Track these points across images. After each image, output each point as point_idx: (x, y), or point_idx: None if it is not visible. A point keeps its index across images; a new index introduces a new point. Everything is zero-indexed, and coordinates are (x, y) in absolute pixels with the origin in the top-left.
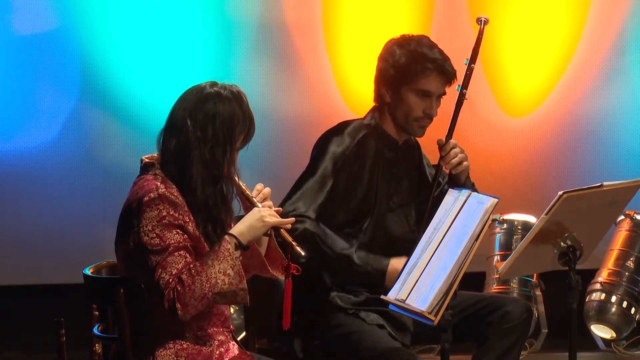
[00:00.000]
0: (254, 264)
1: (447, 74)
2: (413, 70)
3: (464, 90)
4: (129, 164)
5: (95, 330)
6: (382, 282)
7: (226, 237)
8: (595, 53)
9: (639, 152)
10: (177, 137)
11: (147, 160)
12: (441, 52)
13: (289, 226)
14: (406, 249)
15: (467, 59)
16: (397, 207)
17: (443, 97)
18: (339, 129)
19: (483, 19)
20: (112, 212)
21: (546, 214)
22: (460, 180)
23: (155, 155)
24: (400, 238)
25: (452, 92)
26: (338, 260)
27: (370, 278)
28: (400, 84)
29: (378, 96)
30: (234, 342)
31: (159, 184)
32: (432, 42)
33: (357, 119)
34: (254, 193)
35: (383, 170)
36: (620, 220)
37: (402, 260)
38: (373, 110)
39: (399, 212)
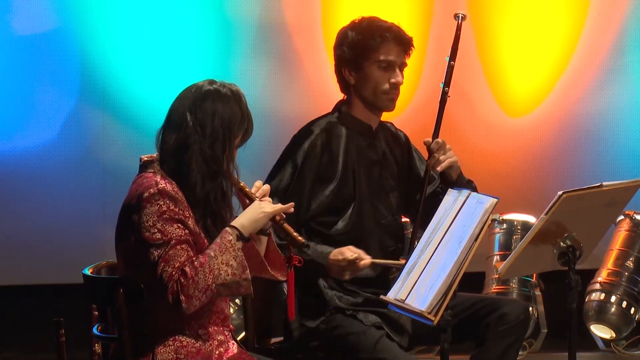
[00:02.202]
0: (252, 265)
1: (404, 41)
2: (371, 43)
3: (446, 88)
4: (129, 164)
5: (94, 330)
6: (325, 268)
7: (228, 228)
8: (595, 53)
9: (638, 152)
10: (176, 133)
11: (146, 159)
12: (393, 23)
13: (291, 209)
14: (389, 235)
15: (448, 56)
16: (381, 193)
17: (434, 95)
18: (305, 126)
19: (461, 15)
20: (112, 212)
21: (546, 214)
22: (451, 178)
23: (155, 155)
24: (382, 225)
25: (437, 91)
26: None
27: (316, 266)
28: (361, 60)
29: (342, 83)
30: (233, 341)
31: (158, 179)
32: (384, 19)
33: (326, 113)
34: (253, 190)
35: (358, 155)
36: (619, 220)
37: (347, 247)
38: (338, 103)
39: (383, 198)
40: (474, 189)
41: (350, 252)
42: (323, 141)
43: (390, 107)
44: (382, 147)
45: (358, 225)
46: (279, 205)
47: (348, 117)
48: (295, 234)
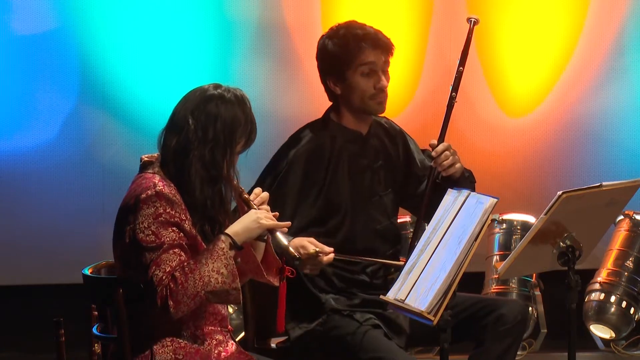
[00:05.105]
0: (249, 268)
1: (382, 44)
2: (349, 52)
3: (454, 94)
4: (128, 164)
5: (94, 330)
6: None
7: (221, 236)
8: (594, 53)
9: (638, 152)
10: (177, 135)
11: (146, 159)
12: (371, 27)
13: (286, 229)
14: (385, 240)
15: (458, 60)
16: (374, 199)
17: (439, 101)
18: (297, 132)
19: (473, 19)
20: (111, 212)
21: (545, 214)
22: (454, 177)
23: (155, 155)
24: (377, 231)
25: (444, 95)
26: None
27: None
28: (342, 70)
29: (329, 93)
30: (232, 341)
31: (156, 181)
32: (361, 23)
33: (317, 119)
34: (252, 197)
35: (349, 164)
36: (619, 220)
37: (308, 239)
38: (328, 111)
39: (377, 203)
40: (472, 182)
41: (312, 245)
42: (308, 153)
43: (380, 110)
44: (375, 149)
45: (352, 236)
46: (275, 222)
47: (337, 127)
48: (289, 247)
